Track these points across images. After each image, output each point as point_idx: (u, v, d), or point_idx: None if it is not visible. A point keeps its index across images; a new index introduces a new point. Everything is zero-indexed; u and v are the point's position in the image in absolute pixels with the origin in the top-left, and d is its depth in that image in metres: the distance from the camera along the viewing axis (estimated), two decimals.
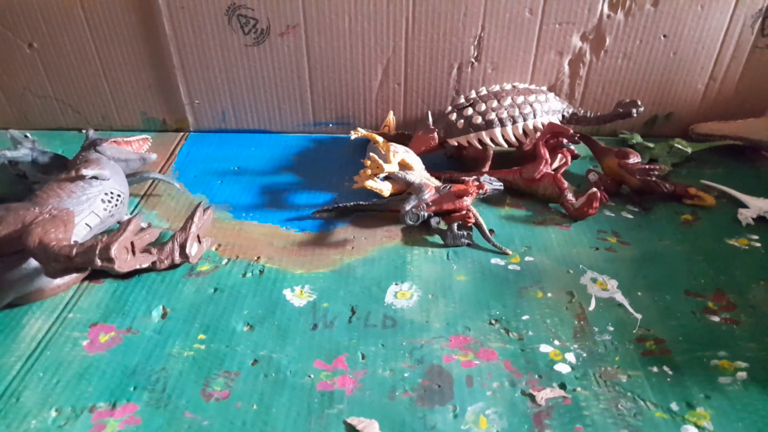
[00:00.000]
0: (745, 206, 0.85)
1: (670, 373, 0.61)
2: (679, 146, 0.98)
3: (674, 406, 0.58)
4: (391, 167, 0.84)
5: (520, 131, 0.92)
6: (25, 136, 0.88)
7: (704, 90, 1.02)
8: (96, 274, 0.74)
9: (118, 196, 0.81)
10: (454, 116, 0.92)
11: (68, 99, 1.09)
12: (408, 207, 0.81)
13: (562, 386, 0.60)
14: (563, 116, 0.96)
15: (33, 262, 0.69)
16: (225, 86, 1.05)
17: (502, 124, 0.90)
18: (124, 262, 0.70)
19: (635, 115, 0.93)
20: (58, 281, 0.72)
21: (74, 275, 0.73)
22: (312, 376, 0.62)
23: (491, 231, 0.82)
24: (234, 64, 1.02)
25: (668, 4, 0.92)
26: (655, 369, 0.62)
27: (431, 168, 0.91)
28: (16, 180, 0.88)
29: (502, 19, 0.95)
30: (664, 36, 0.96)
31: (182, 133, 1.11)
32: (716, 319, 0.68)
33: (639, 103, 0.93)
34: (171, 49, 1.01)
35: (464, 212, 0.81)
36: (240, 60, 1.02)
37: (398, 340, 0.66)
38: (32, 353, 0.65)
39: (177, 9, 0.96)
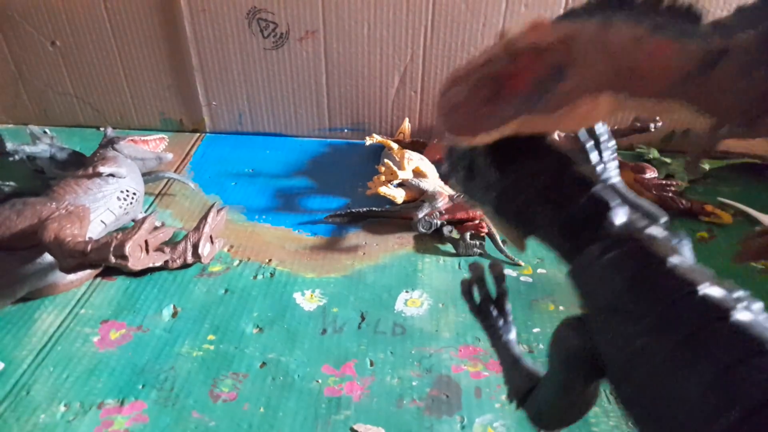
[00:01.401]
0: (761, 224, 0.84)
1: None
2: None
3: None
4: (405, 174, 0.84)
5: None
6: (44, 132, 0.89)
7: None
8: (108, 271, 0.75)
9: (134, 194, 0.81)
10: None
11: (88, 97, 1.10)
12: (421, 215, 0.81)
13: None
14: None
15: (48, 257, 0.70)
16: (242, 89, 1.06)
17: None
18: (137, 259, 0.70)
19: (653, 129, 0.93)
20: (72, 277, 0.72)
21: (87, 271, 0.74)
22: (320, 380, 0.62)
23: (504, 241, 0.81)
24: (252, 67, 1.03)
25: None
26: None
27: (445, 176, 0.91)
28: (33, 175, 0.89)
29: None
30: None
31: (199, 134, 1.12)
32: None
33: (657, 118, 0.93)
34: (191, 51, 1.02)
35: (477, 222, 0.80)
36: (258, 63, 1.02)
37: (407, 348, 0.66)
38: (43, 347, 0.65)
39: (198, 12, 0.97)
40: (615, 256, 0.31)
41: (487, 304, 0.44)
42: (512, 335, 0.43)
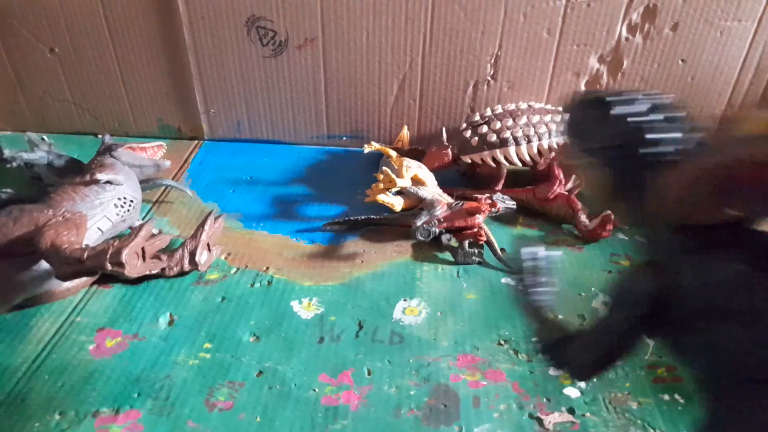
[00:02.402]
0: None
1: (682, 401, 0.60)
2: None
3: None
4: (404, 182, 0.83)
5: (535, 150, 0.91)
6: (42, 139, 0.89)
7: (721, 116, 1.01)
8: (105, 279, 0.74)
9: (131, 201, 0.81)
10: (468, 133, 0.92)
11: (86, 104, 1.10)
12: (419, 222, 0.81)
13: (571, 411, 0.59)
14: None
15: (44, 264, 0.70)
16: (241, 96, 1.06)
17: (517, 142, 0.90)
18: (134, 267, 0.70)
19: None
20: (68, 284, 0.72)
21: (84, 279, 0.73)
22: (317, 389, 0.61)
23: (502, 250, 0.81)
24: (251, 74, 1.03)
25: (687, 29, 0.92)
26: (666, 397, 0.60)
27: (444, 184, 0.91)
28: (31, 182, 0.88)
29: (520, 39, 0.95)
30: (683, 60, 0.96)
31: (197, 141, 1.11)
32: None
33: None
34: (189, 58, 1.02)
35: (476, 230, 0.80)
36: (257, 71, 1.02)
37: (405, 356, 0.65)
38: (39, 355, 0.65)
39: (197, 19, 0.98)
40: None
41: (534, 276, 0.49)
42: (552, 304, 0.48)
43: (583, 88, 1.00)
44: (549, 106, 0.96)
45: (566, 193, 0.88)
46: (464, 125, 0.94)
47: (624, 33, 0.93)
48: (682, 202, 0.36)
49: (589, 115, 0.41)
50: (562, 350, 0.42)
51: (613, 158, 0.39)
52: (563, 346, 0.42)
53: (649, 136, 0.37)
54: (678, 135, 0.37)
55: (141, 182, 0.87)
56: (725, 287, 0.32)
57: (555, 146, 0.92)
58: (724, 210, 0.34)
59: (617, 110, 0.38)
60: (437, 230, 0.81)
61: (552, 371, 0.43)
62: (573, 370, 0.42)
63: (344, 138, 1.09)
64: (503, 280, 0.77)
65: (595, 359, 0.40)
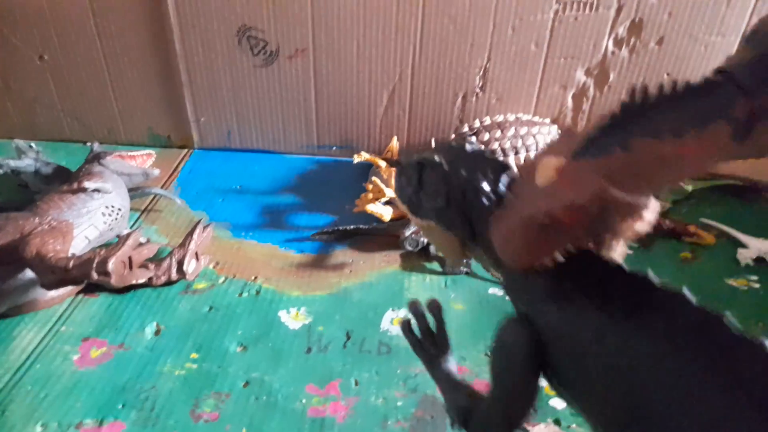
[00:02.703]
0: (744, 246, 0.85)
1: None
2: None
3: None
4: (393, 192, 0.84)
5: (522, 162, 0.92)
6: (30, 146, 0.89)
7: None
8: (91, 287, 0.74)
9: (119, 210, 0.81)
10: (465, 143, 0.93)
11: (75, 111, 1.10)
12: (408, 233, 0.81)
13: (557, 422, 0.59)
14: None
15: (28, 273, 0.69)
16: (231, 105, 1.06)
17: (505, 154, 0.91)
18: (120, 276, 0.70)
19: None
20: (53, 293, 0.71)
21: (69, 288, 0.73)
22: (304, 400, 0.61)
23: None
24: (241, 84, 1.03)
25: (672, 44, 0.94)
26: None
27: None
28: (18, 190, 0.88)
29: (508, 52, 0.96)
30: (668, 74, 0.97)
31: (186, 150, 1.11)
32: None
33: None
34: (180, 67, 1.02)
35: None
36: (248, 80, 1.02)
37: (393, 367, 0.65)
38: (21, 365, 0.64)
39: (188, 27, 0.98)
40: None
41: (427, 337, 0.47)
42: (452, 364, 0.46)
43: (570, 101, 1.01)
44: (536, 118, 0.97)
45: None
46: (453, 136, 0.95)
47: (610, 47, 0.95)
48: (518, 248, 0.34)
49: (416, 178, 0.42)
50: (471, 421, 0.41)
51: (444, 215, 0.40)
52: (470, 415, 0.41)
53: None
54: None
55: (129, 191, 0.87)
56: (579, 335, 0.32)
57: None
58: (558, 250, 0.33)
59: None
60: (426, 240, 0.81)
61: None
62: None
63: (334, 148, 1.10)
64: (490, 291, 0.77)
65: (501, 423, 0.38)
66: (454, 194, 0.39)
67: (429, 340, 0.47)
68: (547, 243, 0.33)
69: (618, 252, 0.35)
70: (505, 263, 0.36)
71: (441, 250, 0.43)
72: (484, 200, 0.38)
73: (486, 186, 0.38)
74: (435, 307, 0.46)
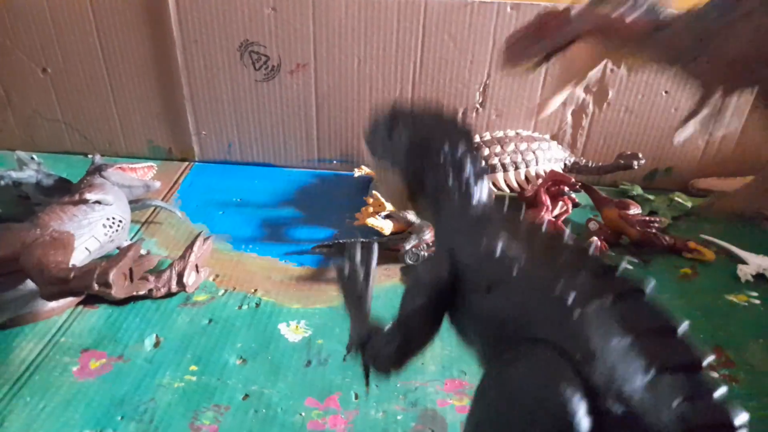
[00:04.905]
0: (744, 263, 0.85)
1: None
2: (680, 200, 0.99)
3: None
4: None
5: (522, 177, 0.93)
6: (31, 158, 0.89)
7: (704, 147, 1.03)
8: (91, 299, 0.74)
9: (120, 221, 0.81)
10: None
11: (77, 124, 1.10)
12: (408, 246, 0.81)
13: None
14: (565, 165, 0.97)
15: (29, 284, 0.69)
16: (232, 119, 1.07)
17: (505, 169, 0.91)
18: (121, 288, 0.70)
19: (636, 167, 0.95)
20: (53, 304, 0.71)
21: (69, 299, 0.72)
22: (303, 414, 0.61)
23: None
24: (243, 98, 1.04)
25: None
26: None
27: None
28: (19, 201, 0.88)
29: None
30: (666, 92, 0.98)
31: (187, 163, 1.12)
32: (715, 375, 0.67)
33: (640, 155, 0.95)
34: (182, 81, 1.03)
35: None
36: (249, 94, 1.03)
37: (392, 381, 0.65)
38: (21, 376, 0.64)
39: (191, 42, 0.99)
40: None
41: (355, 272, 0.50)
42: (368, 300, 0.49)
43: (569, 117, 1.02)
44: (536, 134, 0.98)
45: (553, 219, 0.89)
46: None
47: (609, 64, 0.96)
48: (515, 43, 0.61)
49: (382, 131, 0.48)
50: (367, 346, 0.44)
51: (401, 165, 0.46)
52: (368, 342, 0.44)
53: None
54: None
55: (130, 203, 0.87)
56: (489, 262, 0.38)
57: (542, 173, 0.93)
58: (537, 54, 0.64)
59: None
60: (426, 254, 0.82)
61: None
62: (377, 364, 0.43)
63: (335, 162, 1.10)
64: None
65: (394, 351, 0.41)
66: (415, 151, 0.45)
67: (356, 274, 0.50)
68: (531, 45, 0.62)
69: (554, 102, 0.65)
70: (441, 209, 0.44)
71: (387, 194, 0.49)
72: (450, 173, 0.44)
73: (454, 155, 0.44)
74: (368, 248, 0.51)
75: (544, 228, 0.39)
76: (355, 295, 0.49)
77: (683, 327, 0.30)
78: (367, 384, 0.46)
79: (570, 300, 0.32)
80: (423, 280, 0.41)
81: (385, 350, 0.42)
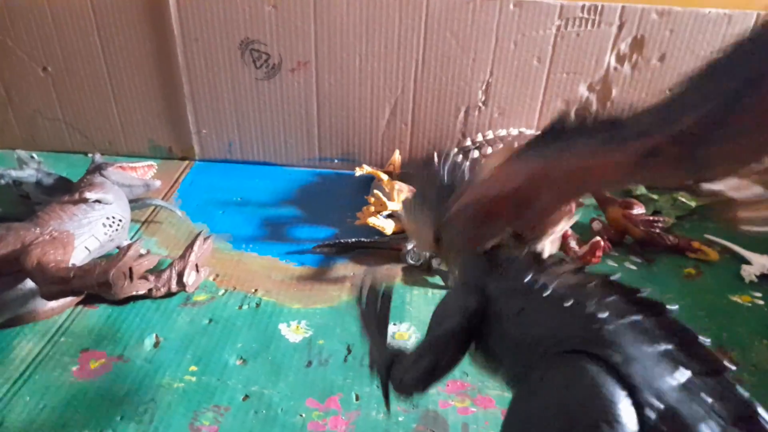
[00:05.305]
0: (748, 263, 0.85)
1: None
2: (683, 199, 0.98)
3: None
4: (395, 205, 0.84)
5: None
6: (32, 157, 0.89)
7: None
8: (91, 299, 0.73)
9: (120, 221, 0.80)
10: (459, 158, 0.93)
11: (77, 123, 1.10)
12: (410, 246, 0.81)
13: None
14: None
15: (28, 283, 0.69)
16: (233, 118, 1.06)
17: None
18: (121, 287, 0.69)
19: None
20: (53, 304, 0.71)
21: (69, 298, 0.72)
22: (303, 415, 0.60)
23: None
24: (244, 96, 1.03)
25: (674, 60, 0.94)
26: None
27: None
28: (19, 200, 0.88)
29: (510, 66, 0.96)
30: (669, 90, 0.97)
31: (188, 162, 1.11)
32: None
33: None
34: (182, 79, 1.02)
35: None
36: (250, 93, 1.03)
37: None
38: (20, 376, 0.63)
39: (191, 41, 0.98)
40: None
41: (374, 303, 0.51)
42: (387, 325, 0.50)
43: (573, 115, 1.01)
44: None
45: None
46: (455, 150, 0.95)
47: (613, 62, 0.95)
48: (464, 230, 0.45)
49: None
50: (392, 370, 0.44)
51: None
52: (392, 366, 0.45)
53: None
54: None
55: (130, 202, 0.86)
56: (520, 288, 0.39)
57: None
58: (498, 234, 0.44)
59: None
60: (428, 254, 0.81)
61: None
62: (402, 386, 0.43)
63: (336, 161, 1.10)
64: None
65: (421, 373, 0.41)
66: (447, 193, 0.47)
67: (375, 305, 0.51)
68: (485, 228, 0.43)
69: (547, 246, 0.45)
70: (462, 250, 0.46)
71: (413, 234, 0.52)
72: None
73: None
74: (386, 293, 0.52)
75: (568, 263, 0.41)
76: (374, 321, 0.49)
77: (705, 339, 0.33)
78: (388, 405, 0.46)
79: (604, 316, 0.33)
80: (452, 308, 0.43)
81: (411, 372, 0.42)
